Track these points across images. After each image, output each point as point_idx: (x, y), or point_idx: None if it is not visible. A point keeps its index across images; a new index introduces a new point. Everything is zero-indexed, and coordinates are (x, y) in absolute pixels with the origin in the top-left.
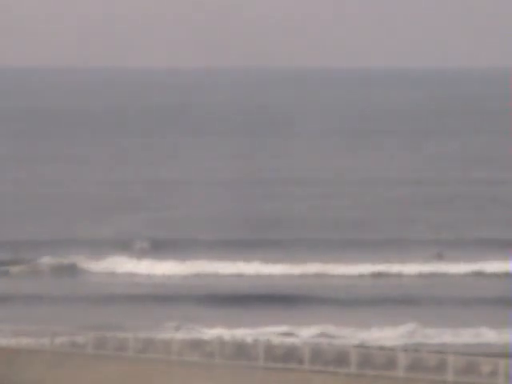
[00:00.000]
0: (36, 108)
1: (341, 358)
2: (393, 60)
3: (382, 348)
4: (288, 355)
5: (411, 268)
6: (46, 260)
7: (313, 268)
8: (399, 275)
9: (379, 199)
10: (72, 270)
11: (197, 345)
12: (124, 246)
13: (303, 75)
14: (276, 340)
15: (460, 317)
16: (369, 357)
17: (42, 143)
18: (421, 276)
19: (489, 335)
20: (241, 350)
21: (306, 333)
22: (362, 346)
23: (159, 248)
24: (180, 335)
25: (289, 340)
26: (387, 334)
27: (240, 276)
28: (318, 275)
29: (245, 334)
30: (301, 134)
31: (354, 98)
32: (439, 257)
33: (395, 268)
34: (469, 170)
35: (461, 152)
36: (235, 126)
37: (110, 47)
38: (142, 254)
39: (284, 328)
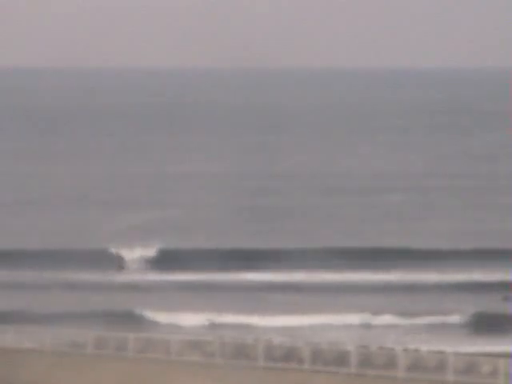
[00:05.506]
0: (37, 108)
1: (341, 358)
2: (393, 60)
3: (381, 348)
4: (288, 355)
5: None
6: None
7: None
8: None
9: None
10: None
11: (197, 345)
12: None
13: (306, 76)
14: (276, 340)
15: None
16: (369, 357)
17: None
18: None
19: None
20: (241, 350)
21: None
22: (362, 346)
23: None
24: (180, 335)
25: (289, 340)
26: None
27: None
28: None
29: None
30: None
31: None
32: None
33: None
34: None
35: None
36: (236, 126)
37: (110, 47)
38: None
39: None
